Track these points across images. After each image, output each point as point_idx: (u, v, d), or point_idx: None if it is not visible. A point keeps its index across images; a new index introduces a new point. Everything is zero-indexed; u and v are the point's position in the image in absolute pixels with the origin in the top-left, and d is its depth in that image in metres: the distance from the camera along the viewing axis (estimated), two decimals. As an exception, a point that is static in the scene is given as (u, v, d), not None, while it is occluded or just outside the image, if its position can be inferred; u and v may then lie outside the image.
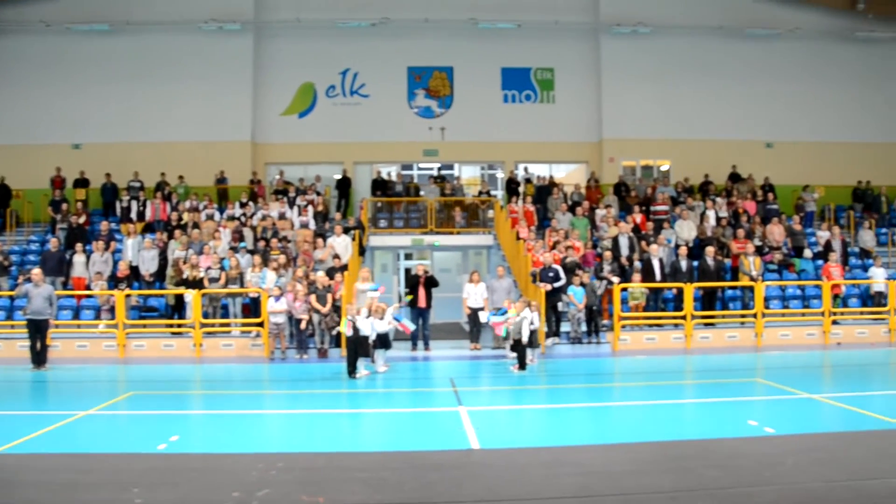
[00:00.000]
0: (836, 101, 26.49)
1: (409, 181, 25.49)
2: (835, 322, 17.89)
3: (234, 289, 17.15)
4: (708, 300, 18.03)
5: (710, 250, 18.41)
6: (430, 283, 17.37)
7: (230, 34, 25.03)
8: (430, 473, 7.12)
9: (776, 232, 20.50)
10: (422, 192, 24.00)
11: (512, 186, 24.23)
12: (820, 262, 19.59)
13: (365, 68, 25.96)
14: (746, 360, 15.50)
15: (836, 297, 18.34)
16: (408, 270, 18.01)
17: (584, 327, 17.11)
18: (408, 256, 26.68)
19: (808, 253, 20.30)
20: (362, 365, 13.46)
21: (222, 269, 17.43)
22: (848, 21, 26.34)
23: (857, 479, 6.90)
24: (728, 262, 19.04)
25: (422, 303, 17.15)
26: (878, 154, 26.37)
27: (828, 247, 19.96)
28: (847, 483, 6.81)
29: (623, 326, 17.05)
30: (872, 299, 18.66)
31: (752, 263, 18.45)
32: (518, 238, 19.58)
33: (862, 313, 18.54)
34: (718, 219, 21.29)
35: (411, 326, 16.03)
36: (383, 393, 12.35)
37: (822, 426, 9.22)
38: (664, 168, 26.38)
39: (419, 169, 27.35)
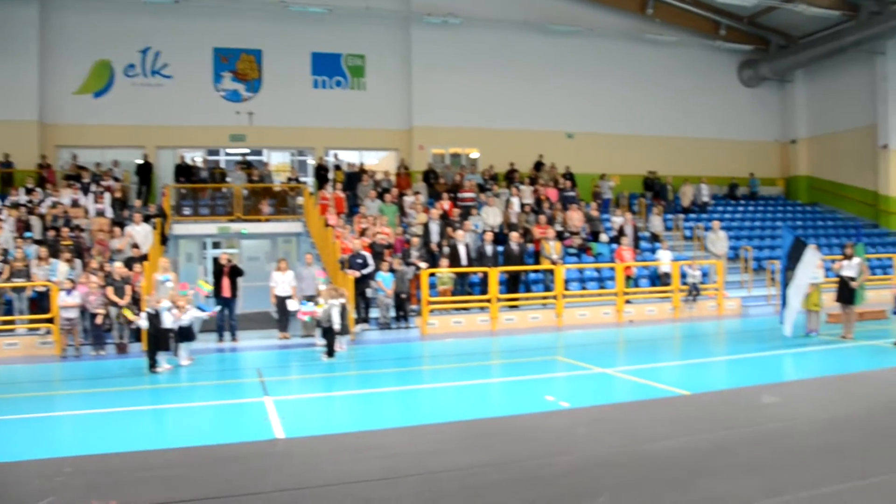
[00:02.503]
0: (630, 96, 28.42)
1: (215, 167, 24.52)
2: (627, 301, 19.19)
3: (19, 282, 15.73)
4: (512, 283, 18.73)
5: (514, 235, 19.14)
6: (235, 272, 16.78)
7: (12, 3, 22.86)
8: (233, 466, 6.85)
9: (575, 218, 21.66)
10: (228, 179, 23.16)
11: (322, 173, 23.96)
12: (614, 245, 20.92)
13: (168, 47, 24.58)
14: (548, 339, 16.24)
15: (628, 278, 19.67)
16: (215, 259, 17.38)
17: (392, 313, 17.23)
18: (216, 245, 25.71)
19: (604, 237, 21.62)
20: (164, 359, 12.81)
21: (5, 261, 15.95)
22: (639, 23, 28.23)
23: (639, 443, 7.40)
24: (531, 246, 19.85)
25: (226, 292, 16.53)
26: (665, 146, 28.65)
27: (621, 232, 21.35)
28: (631, 448, 7.28)
29: (431, 311, 17.34)
30: (660, 279, 20.16)
31: (553, 248, 19.39)
32: (327, 225, 19.38)
33: (651, 293, 20.00)
34: (523, 205, 22.18)
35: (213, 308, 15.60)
36: (186, 387, 11.78)
37: (613, 397, 9.83)
38: (473, 156, 27.08)
39: (226, 154, 26.36)
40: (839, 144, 29.74)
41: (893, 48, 26.99)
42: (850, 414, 8.58)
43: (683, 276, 19.73)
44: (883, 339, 14.08)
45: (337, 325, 13.73)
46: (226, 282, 16.50)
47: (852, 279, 14.69)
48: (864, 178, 28.68)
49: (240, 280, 16.94)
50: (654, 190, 26.91)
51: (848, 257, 14.92)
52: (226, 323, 16.51)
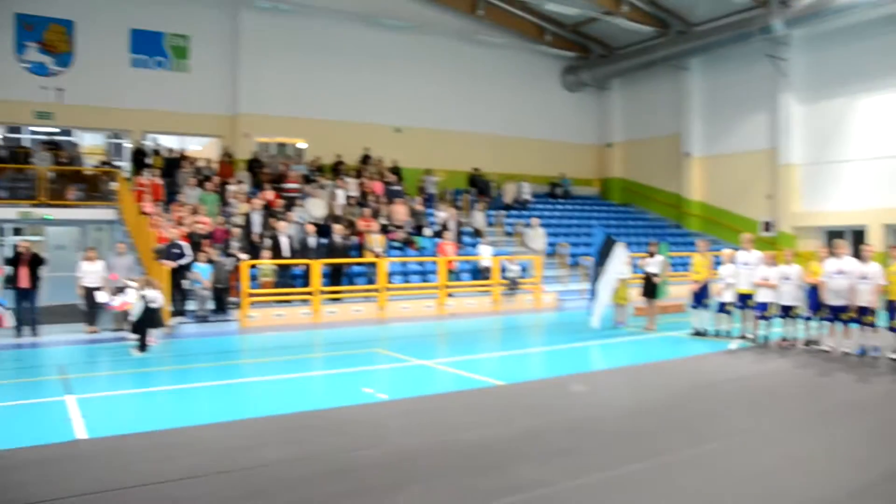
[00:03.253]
0: (457, 94, 28.86)
1: (18, 146, 22.44)
2: (449, 295, 19.47)
3: None
4: (335, 276, 18.50)
5: (338, 228, 18.90)
6: (36, 261, 15.41)
7: None
8: (28, 471, 6.22)
9: (400, 212, 21.72)
10: (33, 160, 21.27)
11: (139, 158, 22.53)
12: (438, 240, 21.15)
13: (-41, 10, 22.22)
14: (370, 332, 16.15)
15: (450, 271, 19.95)
16: (14, 247, 15.89)
17: (211, 305, 16.51)
18: (17, 232, 23.55)
19: (428, 231, 21.82)
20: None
21: None
22: (469, 24, 28.72)
23: (452, 433, 7.45)
24: (355, 239, 19.67)
25: (25, 283, 15.14)
26: (490, 144, 29.37)
27: (445, 226, 21.64)
28: (444, 437, 7.31)
29: (252, 303, 16.78)
30: (481, 273, 20.61)
31: (376, 241, 19.32)
32: (143, 213, 18.26)
33: (472, 286, 20.41)
34: (348, 198, 21.94)
35: (9, 321, 14.22)
36: (-31, 386, 10.67)
37: (430, 389, 9.84)
38: (300, 146, 26.50)
39: (31, 133, 24.20)
40: (649, 150, 31.80)
41: (697, 65, 29.21)
42: (651, 400, 9.08)
43: (503, 270, 20.28)
44: (682, 331, 15.10)
45: (144, 318, 12.88)
46: (25, 271, 15.11)
47: (655, 275, 15.68)
48: (669, 182, 30.82)
49: (42, 270, 15.59)
50: (478, 186, 27.51)
51: (652, 255, 15.91)
52: (26, 316, 15.14)
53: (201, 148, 26.14)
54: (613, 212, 30.62)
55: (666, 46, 28.19)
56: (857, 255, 12.46)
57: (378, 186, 23.37)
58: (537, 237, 22.66)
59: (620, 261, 15.29)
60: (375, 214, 21.05)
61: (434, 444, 7.11)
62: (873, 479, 6.10)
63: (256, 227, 18.70)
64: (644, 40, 29.14)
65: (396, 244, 20.74)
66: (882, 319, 12.00)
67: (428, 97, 28.10)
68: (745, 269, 13.65)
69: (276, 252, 17.67)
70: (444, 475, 6.16)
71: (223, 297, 16.68)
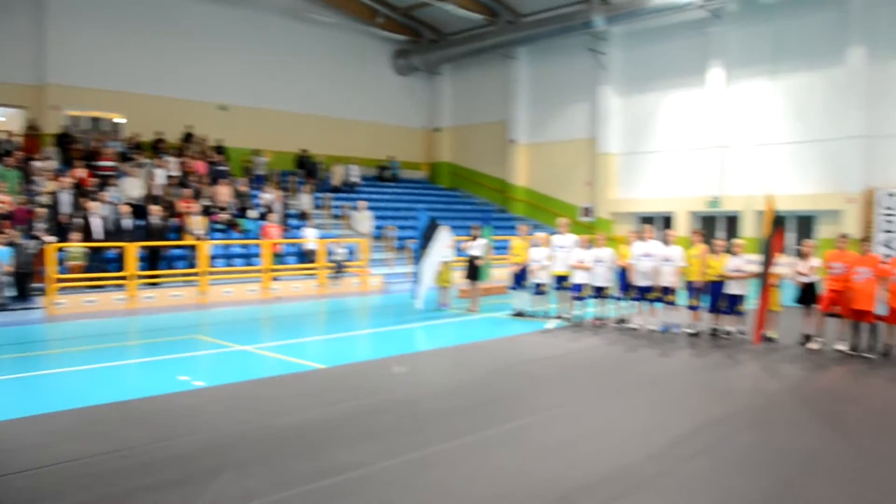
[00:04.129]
0: (287, 73, 28.22)
1: None
2: (274, 278, 19.13)
3: None
4: (153, 259, 17.66)
5: (155, 209, 18.03)
6: None
7: None
8: None
9: (224, 193, 21.05)
10: None
11: (-75, 129, 20.45)
12: (263, 222, 20.70)
13: None
14: (190, 317, 15.57)
15: (276, 255, 19.60)
16: None
17: (11, 292, 15.29)
18: None
19: (253, 213, 21.28)
20: None
21: None
22: (300, 1, 28.16)
23: (270, 418, 7.37)
24: (175, 221, 18.86)
25: None
26: (320, 126, 29.01)
27: (270, 208, 21.19)
28: (262, 423, 7.21)
29: (60, 289, 15.72)
30: (306, 256, 20.39)
31: (198, 223, 18.62)
32: (-70, 189, 16.62)
33: (297, 269, 20.15)
34: (169, 178, 20.96)
35: None
36: None
37: (250, 374, 9.64)
38: (117, 121, 24.94)
39: None
40: (477, 136, 32.65)
41: (524, 55, 30.28)
42: (469, 379, 9.39)
43: (330, 253, 20.18)
44: (503, 312, 15.67)
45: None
46: None
47: (478, 258, 16.17)
48: (496, 167, 31.82)
49: None
50: (306, 168, 27.16)
51: (475, 238, 16.37)
52: None
53: (2, 119, 23.97)
54: (441, 196, 31.21)
55: (495, 35, 29.01)
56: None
57: (201, 166, 22.47)
58: (364, 220, 22.70)
59: (443, 244, 15.63)
60: (197, 195, 20.25)
61: (251, 429, 7.01)
62: (667, 442, 6.65)
63: (65, 206, 17.50)
64: (474, 28, 29.82)
65: (219, 226, 20.08)
66: (682, 298, 13.03)
67: (255, 75, 27.28)
68: (561, 252, 14.34)
69: (87, 234, 16.62)
70: (261, 461, 6.09)
71: (25, 283, 15.50)
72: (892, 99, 21.79)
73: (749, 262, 12.32)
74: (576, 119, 29.24)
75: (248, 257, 19.66)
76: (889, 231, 21.12)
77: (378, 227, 24.05)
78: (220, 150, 24.41)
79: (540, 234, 15.36)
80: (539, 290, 14.74)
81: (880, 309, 10.86)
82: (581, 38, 27.36)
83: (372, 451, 6.37)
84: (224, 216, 20.33)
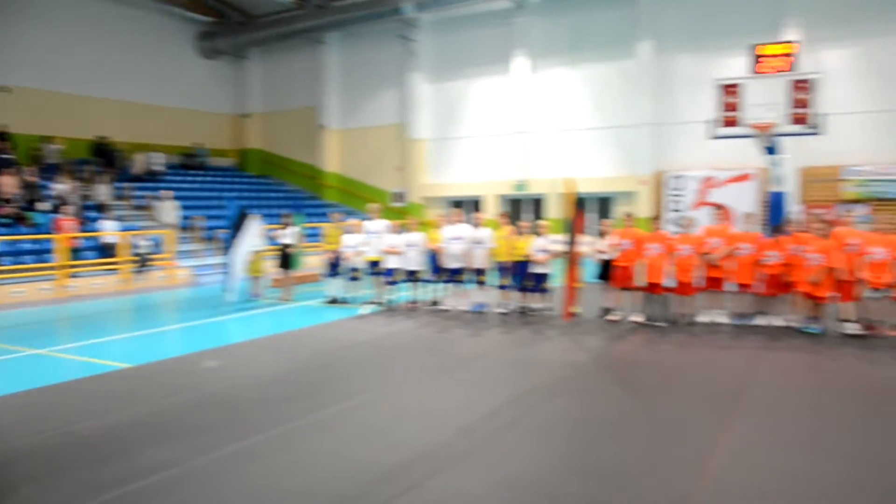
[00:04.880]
0: (81, 54, 26.18)
1: None
2: (72, 275, 17.89)
3: None
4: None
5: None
6: None
7: None
8: None
9: (9, 184, 19.35)
10: None
11: None
12: (56, 215, 19.26)
13: None
14: (-26, 321, 14.26)
15: (73, 250, 18.32)
16: None
17: None
18: None
19: (44, 206, 19.74)
20: None
21: None
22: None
23: (72, 424, 6.95)
24: (-48, 215, 17.18)
25: None
26: (118, 111, 27.30)
27: (64, 200, 19.75)
28: (62, 430, 6.79)
29: None
30: (107, 250, 19.21)
31: (-20, 217, 17.06)
32: None
33: (97, 265, 18.94)
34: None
35: None
36: None
37: (46, 380, 8.99)
38: None
39: None
40: (287, 122, 32.09)
41: (334, 40, 30.09)
42: (284, 369, 9.32)
43: (133, 246, 19.14)
44: (317, 300, 15.61)
45: None
46: None
47: (290, 246, 15.98)
48: (307, 154, 31.45)
49: None
50: (105, 156, 25.51)
51: (286, 226, 16.16)
52: None
53: None
54: (251, 183, 30.43)
55: (304, 19, 28.60)
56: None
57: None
58: (169, 210, 21.71)
59: (254, 233, 15.31)
60: (-24, 187, 18.53)
61: (50, 438, 6.57)
62: (480, 417, 6.97)
63: None
64: (283, 10, 29.22)
65: (5, 220, 18.44)
66: (492, 279, 13.57)
67: (45, 55, 25.12)
68: (373, 238, 14.47)
69: None
70: (63, 470, 5.75)
71: None
72: (678, 90, 23.79)
73: (553, 242, 13.05)
74: (386, 105, 29.49)
75: (40, 253, 18.20)
76: (676, 210, 23.04)
77: (185, 218, 23.07)
78: (2, 136, 22.37)
79: (353, 221, 15.41)
80: (353, 276, 14.81)
81: (669, 282, 11.93)
82: (391, 25, 27.58)
83: (186, 447, 6.20)
84: (9, 209, 18.70)
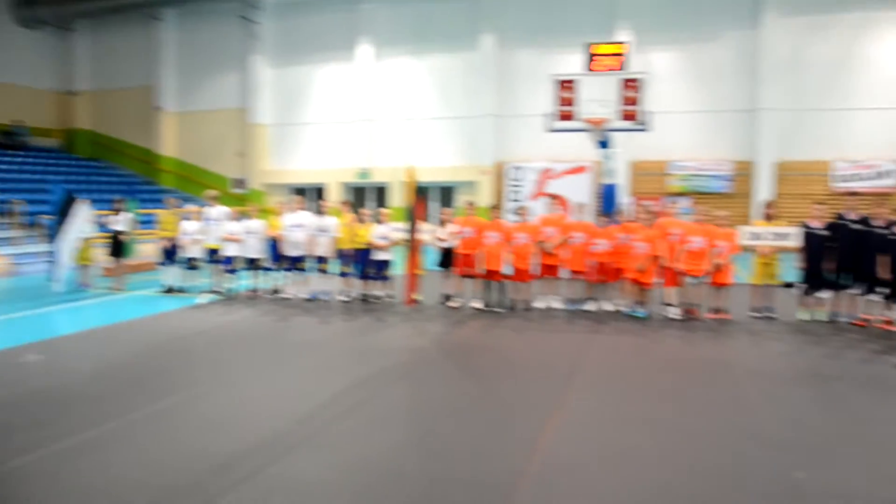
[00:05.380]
0: None
1: None
2: None
3: None
4: None
5: None
6: None
7: None
8: None
9: None
10: None
11: None
12: None
13: None
14: None
15: None
16: None
17: None
18: None
19: None
20: None
21: None
22: None
23: None
24: None
25: None
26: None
27: None
28: None
29: None
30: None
31: None
32: None
33: None
34: None
35: None
36: None
37: None
38: None
39: None
40: (120, 101, 30.43)
41: (172, 17, 28.79)
42: (117, 361, 8.91)
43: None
44: (152, 289, 14.96)
45: None
46: None
47: (122, 233, 15.20)
48: (142, 136, 29.96)
49: None
50: None
51: (118, 212, 15.35)
52: None
53: None
54: (79, 166, 28.68)
55: (137, -8, 27.19)
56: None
57: None
58: (-15, 193, 20.06)
59: (82, 219, 14.46)
60: None
61: None
62: (320, 404, 6.98)
63: None
64: (113, -19, 27.63)
65: None
66: (334, 267, 13.52)
67: None
68: (212, 225, 14.04)
69: None
70: None
71: None
72: (519, 83, 24.58)
73: (395, 229, 13.17)
74: (227, 88, 28.62)
75: None
76: (516, 200, 23.82)
77: (3, 202, 21.39)
78: None
79: (190, 207, 14.88)
80: (191, 264, 14.31)
81: (507, 269, 12.36)
82: (232, 5, 26.77)
83: (8, 447, 5.80)
84: None
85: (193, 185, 28.32)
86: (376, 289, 13.33)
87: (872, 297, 11.14)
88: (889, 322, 10.95)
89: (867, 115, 22.67)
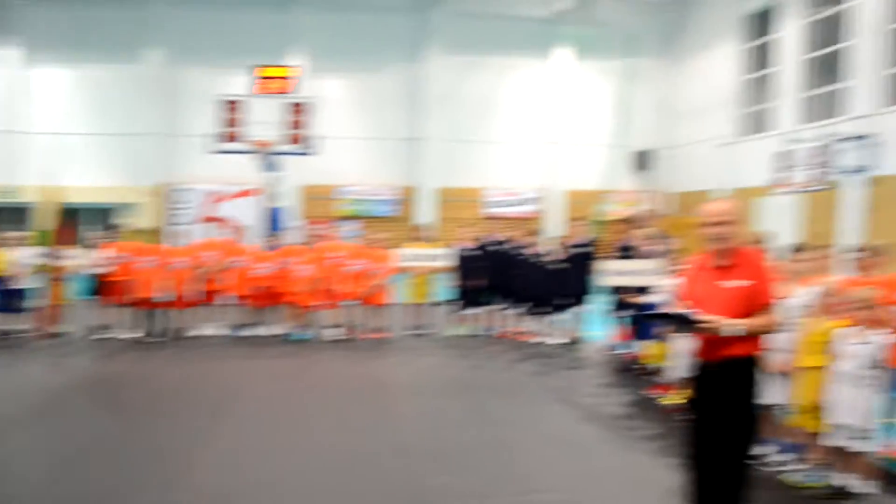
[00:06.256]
0: None
1: None
2: None
3: None
4: None
5: None
6: None
7: None
8: None
9: None
10: None
11: None
12: None
13: None
14: None
15: None
16: None
17: None
18: None
19: None
20: None
21: None
22: None
23: None
24: None
25: None
26: None
27: None
28: None
29: None
30: None
31: None
32: None
33: None
34: None
35: None
36: None
37: None
38: None
39: None
40: None
41: None
42: None
43: None
44: None
45: None
46: None
47: None
48: None
49: None
50: None
51: None
52: None
53: None
54: None
55: None
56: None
57: None
58: None
59: None
60: None
61: None
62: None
63: None
64: None
65: None
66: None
67: None
68: None
69: None
70: None
71: None
72: (187, 102, 23.64)
73: (38, 255, 11.90)
74: None
75: None
76: (179, 223, 22.79)
77: None
78: None
79: None
80: None
81: (165, 295, 11.73)
82: None
83: None
84: None
85: None
86: (9, 323, 11.85)
87: (513, 311, 12.43)
88: (524, 333, 12.26)
89: (510, 148, 25.40)
